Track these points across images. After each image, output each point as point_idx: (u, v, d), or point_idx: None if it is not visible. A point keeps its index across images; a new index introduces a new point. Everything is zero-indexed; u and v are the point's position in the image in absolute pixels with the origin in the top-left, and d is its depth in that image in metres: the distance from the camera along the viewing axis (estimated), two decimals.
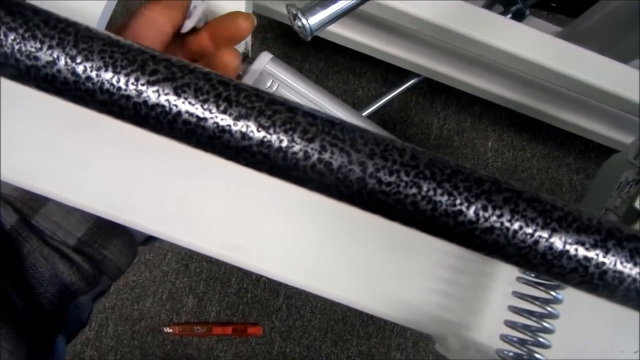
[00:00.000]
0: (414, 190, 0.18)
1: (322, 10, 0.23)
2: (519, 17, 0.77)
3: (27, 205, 0.35)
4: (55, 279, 0.35)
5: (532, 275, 0.25)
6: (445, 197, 0.19)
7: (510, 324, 0.25)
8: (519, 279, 0.26)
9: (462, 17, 0.57)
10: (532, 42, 0.53)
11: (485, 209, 0.19)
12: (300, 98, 0.44)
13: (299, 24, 0.24)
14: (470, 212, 0.19)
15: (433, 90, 0.99)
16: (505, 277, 0.28)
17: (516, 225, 0.19)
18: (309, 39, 0.25)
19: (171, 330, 0.90)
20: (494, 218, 0.19)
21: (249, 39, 0.70)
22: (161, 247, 0.93)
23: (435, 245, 0.28)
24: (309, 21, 0.23)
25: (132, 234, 0.39)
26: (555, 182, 0.99)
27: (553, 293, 0.24)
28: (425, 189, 0.18)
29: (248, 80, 0.45)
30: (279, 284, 0.90)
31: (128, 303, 0.91)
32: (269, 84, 0.45)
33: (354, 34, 0.79)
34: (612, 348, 0.28)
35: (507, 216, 0.19)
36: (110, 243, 0.37)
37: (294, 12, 0.23)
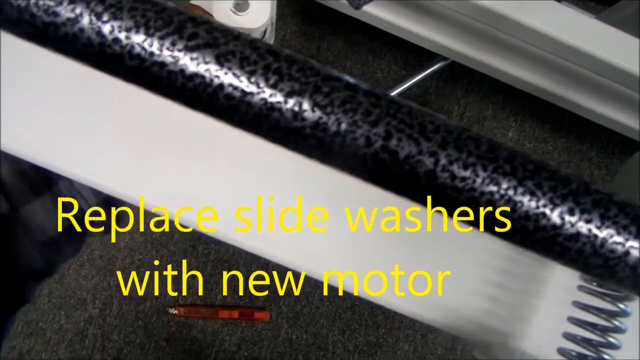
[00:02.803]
0: (492, 187, 0.16)
1: None
2: None
3: None
4: None
5: (595, 284, 0.23)
6: (527, 197, 0.16)
7: (569, 337, 0.23)
8: (580, 287, 0.23)
9: None
10: (573, 23, 0.50)
11: (572, 212, 0.16)
12: None
13: None
14: (555, 216, 0.16)
15: (454, 75, 0.95)
16: (558, 281, 0.26)
17: (605, 233, 0.16)
18: (360, 8, 0.22)
19: (176, 311, 0.88)
20: (581, 223, 0.16)
21: (273, 15, 0.66)
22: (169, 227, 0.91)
23: (483, 245, 0.26)
24: None
25: None
26: None
27: (621, 305, 0.21)
28: (504, 186, 0.16)
29: None
30: (288, 269, 0.88)
31: (133, 282, 0.90)
32: None
33: (377, 10, 0.76)
34: None
35: (596, 222, 0.16)
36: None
37: None
